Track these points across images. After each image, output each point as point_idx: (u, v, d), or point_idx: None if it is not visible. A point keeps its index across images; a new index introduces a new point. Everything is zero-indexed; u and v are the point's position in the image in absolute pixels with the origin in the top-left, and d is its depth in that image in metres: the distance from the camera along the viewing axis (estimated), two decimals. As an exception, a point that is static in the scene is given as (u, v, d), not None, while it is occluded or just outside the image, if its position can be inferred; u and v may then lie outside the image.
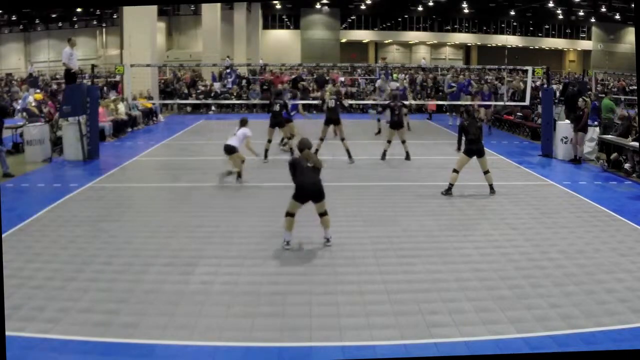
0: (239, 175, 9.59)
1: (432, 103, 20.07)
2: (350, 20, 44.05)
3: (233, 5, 33.51)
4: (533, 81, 17.42)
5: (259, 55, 35.78)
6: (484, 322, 4.65)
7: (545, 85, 13.62)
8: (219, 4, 29.34)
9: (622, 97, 15.30)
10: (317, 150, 11.56)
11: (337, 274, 5.69)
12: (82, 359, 4.14)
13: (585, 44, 44.15)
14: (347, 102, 15.58)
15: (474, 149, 8.82)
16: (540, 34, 44.60)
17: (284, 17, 43.35)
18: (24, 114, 14.15)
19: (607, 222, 7.53)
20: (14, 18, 38.38)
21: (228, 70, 23.55)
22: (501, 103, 17.06)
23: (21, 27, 39.34)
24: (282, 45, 42.25)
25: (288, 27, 43.60)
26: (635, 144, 10.44)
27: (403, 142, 11.79)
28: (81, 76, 17.72)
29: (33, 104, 14.72)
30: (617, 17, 41.11)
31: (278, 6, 42.19)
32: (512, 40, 44.20)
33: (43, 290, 5.26)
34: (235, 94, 22.09)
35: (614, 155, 10.98)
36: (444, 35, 44.98)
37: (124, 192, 9.40)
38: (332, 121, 11.70)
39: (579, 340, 4.39)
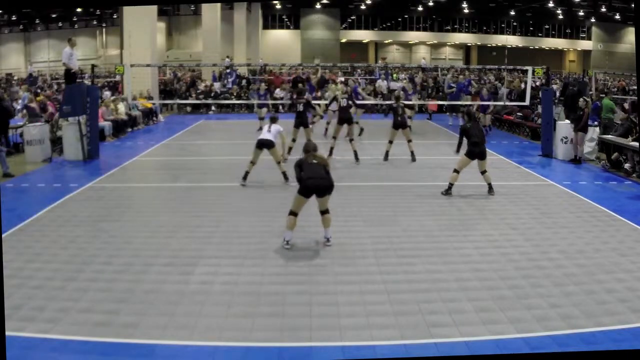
0: (285, 176, 9.45)
1: (432, 103, 20.07)
2: (350, 20, 44.06)
3: (233, 5, 33.51)
4: (533, 81, 17.42)
5: (259, 55, 35.79)
6: (484, 322, 4.65)
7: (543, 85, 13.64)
8: (219, 4, 29.34)
9: (628, 99, 15.29)
10: (331, 148, 11.60)
11: (337, 274, 5.69)
12: (82, 359, 4.14)
13: (585, 44, 44.17)
14: (363, 95, 15.46)
15: (476, 152, 8.74)
16: (540, 34, 44.61)
17: (284, 17, 43.36)
18: (24, 111, 14.14)
19: (607, 222, 7.53)
20: (14, 18, 38.40)
21: (228, 70, 23.55)
22: (501, 103, 17.07)
23: (21, 27, 39.36)
24: (282, 45, 42.27)
25: (288, 27, 43.61)
26: (635, 144, 10.44)
27: (409, 141, 11.69)
28: (81, 76, 17.70)
29: (32, 104, 14.71)
30: (617, 17, 41.11)
31: (278, 6, 42.21)
32: (512, 40, 44.22)
33: (43, 290, 5.25)
34: (235, 94, 22.08)
35: (614, 155, 10.97)
36: (444, 35, 44.99)
37: (124, 192, 9.40)
38: (345, 121, 11.70)
39: (579, 340, 4.39)
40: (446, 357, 4.25)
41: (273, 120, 9.69)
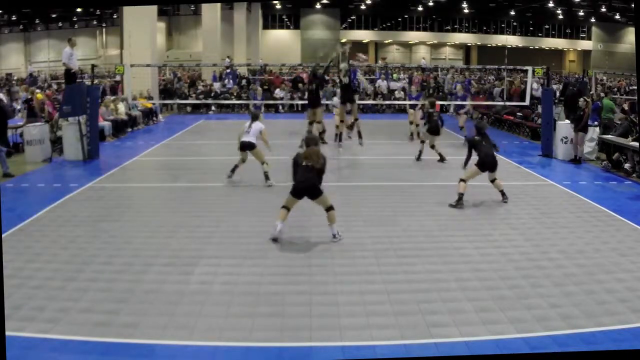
0: (267, 177, 9.41)
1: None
2: (350, 20, 44.06)
3: (233, 5, 33.51)
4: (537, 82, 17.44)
5: (259, 55, 35.79)
6: (484, 322, 4.65)
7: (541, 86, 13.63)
8: (219, 4, 29.34)
9: (626, 99, 15.32)
10: (340, 133, 11.57)
11: (337, 274, 5.69)
12: (82, 359, 4.14)
13: (585, 44, 44.17)
14: (362, 80, 15.27)
15: (488, 163, 8.30)
16: (540, 34, 44.61)
17: (284, 17, 43.36)
18: (23, 108, 14.15)
19: (607, 222, 7.53)
20: (14, 18, 38.40)
21: (228, 71, 23.57)
22: (501, 103, 17.07)
23: (21, 27, 39.36)
24: (282, 45, 42.27)
25: (288, 27, 43.61)
26: (635, 144, 10.44)
27: (432, 147, 11.56)
28: (81, 76, 17.71)
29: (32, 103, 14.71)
30: (617, 17, 41.11)
31: (278, 6, 42.21)
32: (512, 40, 44.21)
33: (43, 290, 5.25)
34: (235, 94, 22.09)
35: (615, 155, 10.97)
36: (444, 35, 44.99)
37: (124, 192, 9.40)
38: (348, 99, 11.65)
39: (579, 340, 4.39)
40: (446, 357, 4.25)
41: (254, 117, 9.55)
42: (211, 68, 24.86)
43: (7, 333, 3.32)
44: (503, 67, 24.17)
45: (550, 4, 40.90)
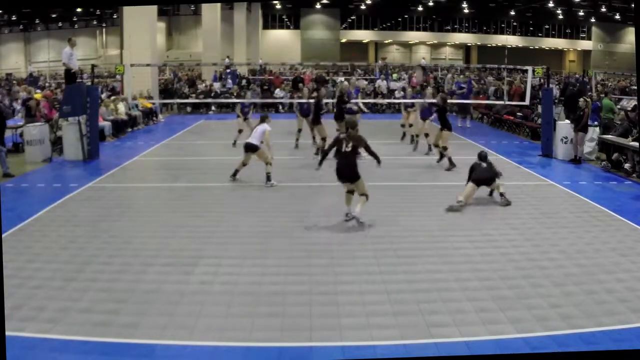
0: (269, 177, 9.41)
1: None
2: (350, 20, 44.04)
3: (233, 5, 33.50)
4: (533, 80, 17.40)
5: (259, 55, 35.79)
6: (484, 322, 4.65)
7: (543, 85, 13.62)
8: (219, 4, 29.33)
9: (626, 99, 15.31)
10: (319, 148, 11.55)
11: (337, 274, 5.69)
12: (82, 359, 4.14)
13: (585, 44, 44.14)
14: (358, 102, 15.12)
15: (482, 181, 8.35)
16: (540, 34, 44.58)
17: (284, 17, 43.34)
18: (23, 109, 14.13)
19: (607, 222, 7.53)
20: (14, 18, 38.38)
21: (228, 71, 23.57)
22: (500, 102, 17.06)
23: (21, 27, 39.35)
24: (282, 45, 42.24)
25: (288, 27, 43.59)
26: (635, 144, 10.43)
27: (436, 145, 11.38)
28: (81, 76, 17.69)
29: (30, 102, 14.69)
30: (617, 17, 41.10)
31: (278, 6, 42.18)
32: (512, 40, 44.20)
33: (43, 290, 5.26)
34: (235, 94, 22.08)
35: (615, 155, 10.97)
36: (444, 35, 44.98)
37: (124, 192, 9.40)
38: (339, 117, 11.69)
39: (579, 340, 4.39)
40: (446, 357, 4.25)
41: (262, 119, 9.61)
42: (211, 68, 24.86)
43: (7, 333, 3.32)
44: (503, 67, 24.13)
45: (550, 4, 40.86)
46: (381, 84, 22.91)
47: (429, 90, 14.09)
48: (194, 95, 22.55)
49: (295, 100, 14.67)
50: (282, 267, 5.89)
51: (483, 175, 8.37)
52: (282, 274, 5.72)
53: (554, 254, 6.28)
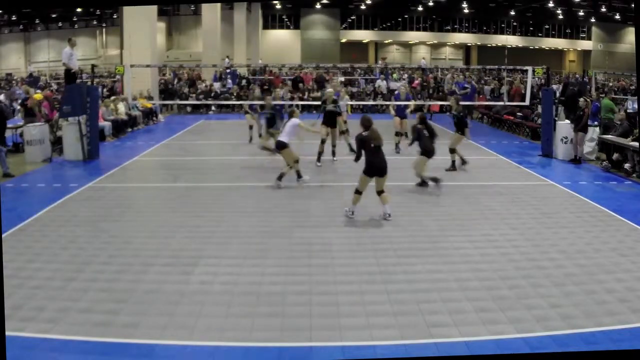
0: (299, 174, 9.39)
1: (434, 103, 20.07)
2: (350, 20, 44.03)
3: (233, 5, 33.50)
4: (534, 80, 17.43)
5: (259, 55, 35.79)
6: (484, 322, 4.65)
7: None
8: (219, 4, 29.32)
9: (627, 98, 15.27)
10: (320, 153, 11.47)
11: (337, 274, 5.69)
12: (82, 359, 4.14)
13: (585, 44, 44.14)
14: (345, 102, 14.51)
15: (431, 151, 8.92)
16: (540, 34, 44.57)
17: (284, 17, 43.33)
18: (22, 109, 14.14)
19: (607, 222, 7.53)
20: (14, 18, 38.38)
21: (228, 71, 23.57)
22: (501, 103, 17.06)
23: (21, 27, 39.34)
24: (282, 45, 42.24)
25: (288, 27, 43.58)
26: (635, 144, 10.43)
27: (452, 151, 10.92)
28: (81, 76, 17.70)
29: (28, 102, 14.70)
30: (617, 17, 41.10)
31: (278, 6, 42.17)
32: (512, 40, 44.20)
33: (43, 290, 5.26)
34: (235, 94, 22.09)
35: (615, 155, 10.97)
36: (444, 35, 44.97)
37: (124, 192, 9.40)
38: (330, 124, 11.57)
39: (579, 340, 4.39)
40: (446, 357, 4.25)
41: (291, 114, 9.51)
42: (211, 68, 24.87)
43: (7, 333, 3.32)
44: (503, 67, 24.15)
45: (550, 4, 40.85)
46: (381, 84, 22.91)
47: (403, 90, 13.87)
48: (194, 95, 22.55)
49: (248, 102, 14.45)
50: (282, 267, 5.89)
51: (429, 146, 8.83)
52: (282, 274, 5.72)
53: (554, 254, 6.28)
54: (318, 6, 42.51)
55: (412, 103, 13.89)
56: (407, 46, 45.55)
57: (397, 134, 12.84)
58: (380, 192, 7.50)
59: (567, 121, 12.58)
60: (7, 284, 4.61)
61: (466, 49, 46.10)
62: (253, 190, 9.27)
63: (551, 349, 4.26)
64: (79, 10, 38.92)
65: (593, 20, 42.96)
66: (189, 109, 21.87)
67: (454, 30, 44.99)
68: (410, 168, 9.60)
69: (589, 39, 44.01)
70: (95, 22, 40.42)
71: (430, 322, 4.65)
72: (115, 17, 36.14)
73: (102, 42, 40.21)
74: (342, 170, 10.78)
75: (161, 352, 4.24)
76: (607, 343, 4.34)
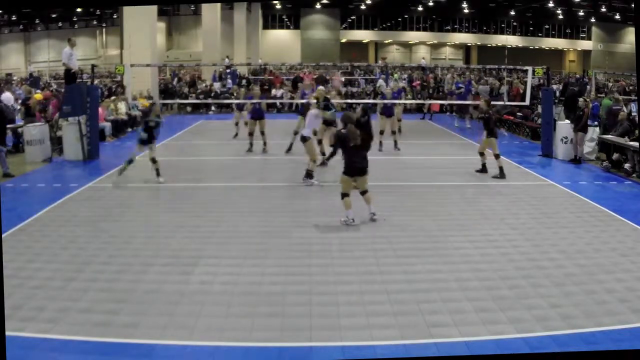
0: (309, 175, 9.39)
1: (434, 103, 20.06)
2: (350, 20, 44.02)
3: (233, 5, 33.49)
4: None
5: (259, 55, 35.78)
6: (484, 322, 4.65)
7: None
8: (219, 4, 29.33)
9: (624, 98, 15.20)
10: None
11: (337, 274, 5.69)
12: (82, 359, 4.14)
13: (585, 44, 44.12)
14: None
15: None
16: (540, 34, 44.54)
17: (284, 17, 43.32)
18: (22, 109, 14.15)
19: (607, 222, 7.53)
20: (14, 18, 38.38)
21: (228, 71, 23.58)
22: (501, 103, 17.06)
23: (21, 27, 39.33)
24: (282, 45, 42.22)
25: (288, 27, 43.57)
26: (635, 144, 10.43)
27: (497, 156, 10.35)
28: (81, 76, 17.70)
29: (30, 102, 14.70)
30: (617, 17, 41.09)
31: (278, 6, 42.16)
32: (512, 40, 44.19)
33: (43, 290, 5.26)
34: (235, 94, 22.08)
35: (615, 155, 10.96)
36: (444, 35, 44.95)
37: (124, 192, 9.40)
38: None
39: (579, 340, 4.39)
40: (446, 357, 4.25)
41: (307, 108, 9.50)
42: (211, 68, 24.87)
43: (7, 333, 3.32)
44: (503, 67, 24.14)
45: (550, 4, 40.84)
46: (382, 84, 22.89)
47: (388, 90, 13.92)
48: (194, 95, 22.54)
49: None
50: (282, 267, 5.89)
51: (360, 163, 7.35)
52: (282, 274, 5.72)
53: (554, 254, 6.28)
54: (318, 6, 42.50)
55: (398, 102, 13.89)
56: (407, 46, 45.53)
57: (382, 132, 12.96)
58: (363, 192, 7.39)
59: (567, 121, 12.58)
60: (7, 284, 4.61)
61: (466, 49, 46.07)
62: (253, 190, 9.27)
63: (551, 349, 4.26)
64: (79, 10, 38.91)
65: (593, 20, 42.94)
66: (189, 108, 21.86)
67: (454, 30, 44.98)
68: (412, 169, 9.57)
69: (589, 39, 43.99)
70: (95, 22, 40.40)
71: (430, 322, 4.65)
72: (115, 17, 36.14)
73: (102, 42, 40.20)
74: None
75: (161, 352, 4.24)
76: (607, 343, 4.34)
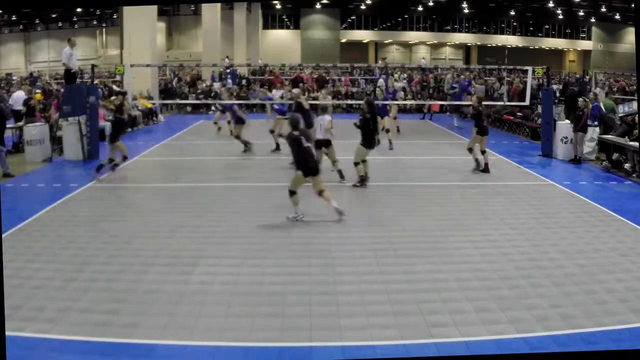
0: (340, 174, 9.53)
1: (434, 103, 20.05)
2: (350, 20, 44.03)
3: (233, 5, 33.50)
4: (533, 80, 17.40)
5: (259, 55, 35.79)
6: (484, 322, 4.65)
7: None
8: (219, 4, 29.33)
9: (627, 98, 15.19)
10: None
11: (337, 274, 5.68)
12: (82, 359, 4.14)
13: (585, 44, 44.13)
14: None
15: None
16: (540, 34, 44.56)
17: (284, 17, 43.33)
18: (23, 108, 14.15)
19: (607, 222, 7.53)
20: (14, 18, 38.39)
21: (228, 71, 23.58)
22: (501, 103, 17.06)
23: (21, 27, 39.35)
24: (282, 45, 42.24)
25: (288, 27, 43.58)
26: (635, 144, 10.43)
27: (483, 152, 10.63)
28: (81, 76, 17.70)
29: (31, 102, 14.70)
30: (617, 17, 41.10)
31: (278, 6, 42.17)
32: (512, 40, 44.20)
33: (43, 290, 5.26)
34: (235, 94, 22.07)
35: (615, 155, 10.96)
36: (444, 35, 44.97)
37: (124, 192, 9.40)
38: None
39: (579, 340, 4.39)
40: (446, 357, 4.25)
41: (323, 110, 9.63)
42: (211, 68, 24.86)
43: (7, 333, 3.32)
44: (503, 67, 24.13)
45: (550, 4, 40.85)
46: (382, 83, 22.88)
47: (379, 90, 14.07)
48: (194, 95, 22.54)
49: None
50: (282, 267, 5.89)
51: (314, 163, 7.55)
52: (282, 274, 5.72)
53: (554, 254, 6.28)
54: (318, 6, 42.51)
55: (390, 103, 13.95)
56: (407, 46, 45.55)
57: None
58: (320, 192, 7.39)
59: (567, 121, 12.58)
60: (7, 284, 4.61)
61: (466, 49, 46.09)
62: (253, 190, 9.27)
63: (551, 349, 4.26)
64: (79, 10, 38.93)
65: (593, 20, 42.96)
66: (188, 108, 21.86)
67: (454, 30, 44.99)
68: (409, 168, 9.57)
69: (589, 39, 44.01)
70: (95, 22, 40.43)
71: (430, 322, 4.65)
72: (115, 17, 36.16)
73: (102, 42, 40.22)
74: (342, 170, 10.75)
75: (161, 352, 4.24)
76: (607, 343, 4.34)
